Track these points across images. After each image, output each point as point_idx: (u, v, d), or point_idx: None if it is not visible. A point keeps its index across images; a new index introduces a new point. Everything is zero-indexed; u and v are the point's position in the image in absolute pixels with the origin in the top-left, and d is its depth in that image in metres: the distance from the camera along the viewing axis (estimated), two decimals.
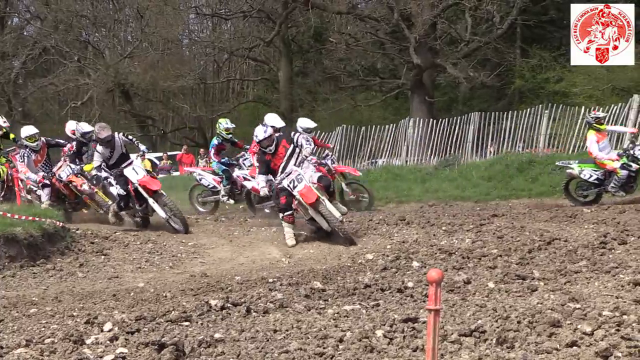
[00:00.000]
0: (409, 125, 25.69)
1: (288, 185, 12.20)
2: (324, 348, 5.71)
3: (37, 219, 11.72)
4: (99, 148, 13.98)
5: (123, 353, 5.80)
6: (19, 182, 15.74)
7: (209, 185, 16.89)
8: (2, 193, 15.88)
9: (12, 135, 16.02)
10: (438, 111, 34.29)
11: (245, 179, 15.85)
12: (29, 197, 15.61)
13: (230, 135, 16.79)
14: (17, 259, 10.69)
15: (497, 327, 5.89)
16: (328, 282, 8.65)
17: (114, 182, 14.07)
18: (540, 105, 23.47)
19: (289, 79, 38.84)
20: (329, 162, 16.71)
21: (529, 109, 23.50)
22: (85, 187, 15.07)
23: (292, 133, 13.46)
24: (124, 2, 42.01)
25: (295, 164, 12.39)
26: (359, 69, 38.13)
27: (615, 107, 21.32)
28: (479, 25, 34.14)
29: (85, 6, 41.24)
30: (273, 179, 12.44)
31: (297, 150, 12.47)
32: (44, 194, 15.19)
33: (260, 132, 12.46)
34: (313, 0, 34.23)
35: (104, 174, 14.22)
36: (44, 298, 8.74)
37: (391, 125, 26.25)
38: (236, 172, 16.35)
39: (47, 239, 11.45)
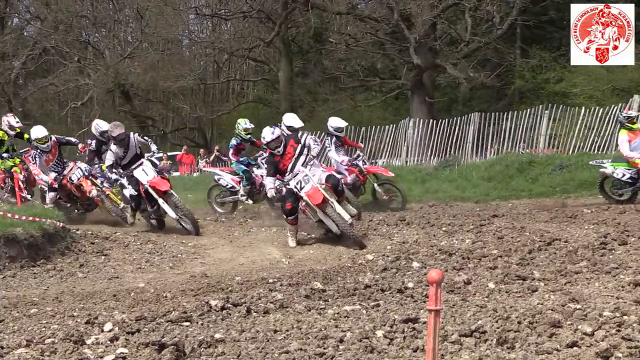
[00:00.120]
0: (409, 125, 25.71)
1: (295, 186, 12.00)
2: (324, 348, 5.71)
3: (37, 219, 11.72)
4: (113, 147, 13.87)
5: (123, 353, 5.80)
6: (19, 182, 15.73)
7: (227, 185, 16.78)
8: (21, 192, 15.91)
9: (26, 136, 15.83)
10: (438, 111, 34.31)
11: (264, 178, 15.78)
12: (29, 197, 15.61)
13: (249, 136, 16.65)
14: (18, 259, 10.68)
15: (498, 328, 5.89)
16: (328, 282, 8.65)
17: (126, 183, 13.98)
18: (541, 106, 23.49)
19: (289, 80, 38.83)
20: (360, 163, 16.65)
21: (529, 110, 23.52)
22: (94, 192, 14.94)
23: (300, 133, 13.22)
24: (124, 2, 42.00)
25: (302, 165, 12.19)
26: (359, 69, 38.14)
27: (616, 107, 21.33)
28: (479, 25, 34.14)
29: (85, 7, 41.25)
30: (281, 180, 12.25)
31: (305, 150, 12.28)
32: (49, 197, 15.20)
33: (267, 134, 12.26)
34: (313, 0, 34.23)
35: (114, 176, 14.11)
36: (45, 298, 8.73)
37: (391, 125, 26.28)
38: (255, 172, 16.30)
39: (48, 240, 11.45)
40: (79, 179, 15.05)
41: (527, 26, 34.32)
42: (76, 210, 15.55)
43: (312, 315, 6.87)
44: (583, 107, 22.51)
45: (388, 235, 12.33)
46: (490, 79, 33.44)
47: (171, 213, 13.60)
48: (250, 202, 16.66)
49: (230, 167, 17.00)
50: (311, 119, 34.86)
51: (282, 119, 15.91)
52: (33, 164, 15.27)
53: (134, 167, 13.75)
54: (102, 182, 15.21)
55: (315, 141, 12.50)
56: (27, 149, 16.15)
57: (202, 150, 34.36)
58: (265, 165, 15.50)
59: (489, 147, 24.17)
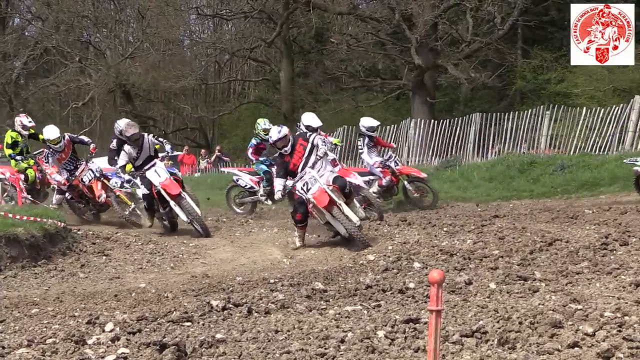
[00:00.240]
0: (410, 126, 25.72)
1: (302, 188, 11.74)
2: (325, 349, 5.71)
3: (38, 219, 11.73)
4: (126, 147, 13.78)
5: (125, 353, 5.80)
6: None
7: (246, 186, 16.73)
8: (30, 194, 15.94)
9: (41, 136, 15.65)
10: (439, 112, 34.33)
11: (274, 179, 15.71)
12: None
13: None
14: (19, 259, 10.69)
15: (499, 328, 5.90)
16: (329, 282, 8.64)
17: (139, 183, 13.92)
18: (542, 106, 23.49)
19: (290, 80, 38.84)
20: (392, 164, 16.54)
21: (530, 110, 23.52)
22: (103, 197, 14.85)
23: (308, 133, 12.88)
24: (125, 2, 42.02)
25: (310, 165, 11.86)
26: (360, 69, 38.14)
27: (617, 108, 21.34)
28: (480, 26, 34.13)
29: (86, 7, 41.25)
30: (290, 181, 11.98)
31: (315, 150, 11.96)
32: (56, 198, 15.19)
33: (274, 133, 12.04)
34: (314, 0, 34.23)
35: (126, 177, 14.02)
36: (46, 298, 8.74)
37: (392, 126, 26.27)
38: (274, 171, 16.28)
39: (49, 240, 11.46)
40: (90, 180, 14.98)
41: (529, 27, 34.30)
42: (89, 211, 15.51)
43: (313, 315, 6.87)
44: (584, 108, 22.51)
45: (389, 235, 12.31)
46: (491, 79, 33.44)
47: (182, 215, 13.52)
48: (270, 202, 16.59)
49: (251, 167, 16.94)
50: (300, 119, 34.81)
51: (301, 118, 15.79)
52: (46, 163, 15.26)
53: (146, 167, 13.67)
54: (120, 183, 15.06)
55: (324, 140, 12.24)
56: (40, 150, 16.07)
57: (203, 150, 34.40)
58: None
59: (490, 148, 24.16)
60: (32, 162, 16.03)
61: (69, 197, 15.32)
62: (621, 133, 21.03)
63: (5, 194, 16.18)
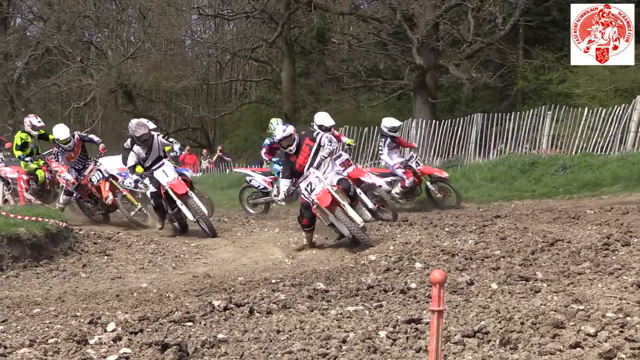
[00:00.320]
0: (411, 126, 25.69)
1: (305, 189, 11.57)
2: (327, 349, 5.71)
3: (40, 219, 11.74)
4: (135, 147, 13.69)
5: (126, 353, 5.80)
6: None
7: (259, 186, 16.69)
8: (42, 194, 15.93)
9: (51, 137, 15.55)
10: (441, 112, 34.31)
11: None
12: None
13: None
14: (21, 259, 10.71)
15: (501, 328, 5.89)
16: (331, 283, 8.64)
17: (147, 182, 13.77)
18: (543, 107, 23.46)
19: (292, 80, 38.83)
20: (413, 165, 16.46)
21: (531, 110, 23.49)
22: (110, 198, 14.78)
23: (316, 132, 12.60)
24: (126, 2, 42.05)
25: (315, 166, 11.67)
26: (362, 69, 38.13)
27: (619, 108, 21.32)
28: (481, 26, 34.11)
29: (88, 7, 41.26)
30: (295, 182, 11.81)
31: (321, 150, 11.72)
32: (63, 199, 15.16)
33: (279, 131, 11.86)
34: (315, 0, 34.23)
35: (134, 177, 13.87)
36: (48, 298, 8.74)
37: None
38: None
39: (51, 240, 11.48)
40: (98, 180, 14.93)
41: (530, 27, 34.27)
42: (97, 211, 15.47)
43: (315, 315, 6.87)
44: (586, 108, 22.48)
45: (391, 235, 12.31)
46: (492, 79, 33.43)
47: (189, 215, 13.44)
48: (284, 203, 16.56)
49: (266, 167, 16.89)
50: (314, 119, 34.83)
51: (314, 117, 15.67)
52: (55, 161, 15.24)
53: (154, 167, 13.61)
54: (135, 183, 14.94)
55: (330, 140, 11.89)
56: (50, 150, 16.00)
57: (204, 150, 34.42)
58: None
59: (492, 149, 24.15)
60: (41, 162, 15.99)
61: (78, 197, 15.28)
62: (623, 133, 21.00)
63: (8, 194, 16.16)
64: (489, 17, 33.27)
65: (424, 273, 8.69)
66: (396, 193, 16.41)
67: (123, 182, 14.96)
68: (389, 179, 16.27)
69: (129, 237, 12.98)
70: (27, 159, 15.83)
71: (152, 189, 13.64)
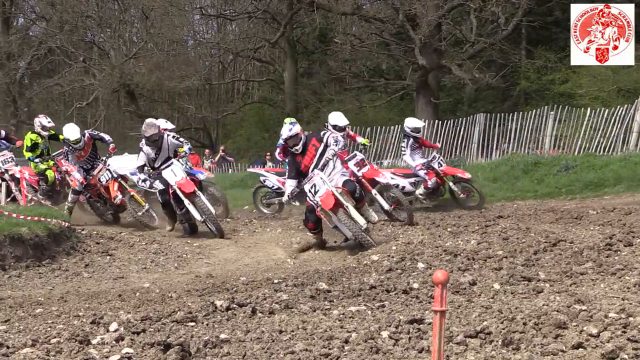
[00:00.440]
0: None
1: (309, 190, 11.35)
2: (329, 349, 5.71)
3: (42, 219, 11.74)
4: (144, 147, 13.60)
5: (129, 353, 5.79)
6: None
7: (273, 186, 16.61)
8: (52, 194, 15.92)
9: (61, 137, 15.41)
10: (443, 112, 34.35)
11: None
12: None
13: None
14: (23, 259, 10.70)
15: (503, 329, 5.89)
16: (333, 283, 8.64)
17: (155, 182, 13.60)
18: (546, 107, 23.48)
19: (294, 80, 38.88)
20: (435, 165, 16.32)
21: (534, 111, 23.52)
22: (118, 198, 14.73)
23: (323, 132, 12.15)
24: (129, 2, 42.13)
25: (319, 167, 11.40)
26: (364, 70, 38.20)
27: (621, 108, 21.33)
28: (484, 26, 34.15)
29: (90, 7, 41.37)
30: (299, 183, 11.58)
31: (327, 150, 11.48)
32: (70, 197, 15.14)
33: (285, 130, 11.59)
34: (318, 1, 34.25)
35: (142, 176, 13.63)
36: (50, 298, 8.74)
37: (396, 126, 26.26)
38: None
39: (53, 239, 11.47)
40: (107, 180, 14.86)
41: (533, 27, 34.31)
42: (107, 211, 15.44)
43: (318, 315, 6.87)
44: (588, 108, 22.50)
45: (393, 235, 12.30)
46: (495, 79, 33.47)
47: (196, 215, 13.27)
48: (297, 203, 16.50)
49: (280, 167, 16.84)
50: (316, 119, 34.90)
51: (328, 117, 15.52)
52: (65, 159, 15.21)
53: (163, 167, 13.53)
54: (149, 183, 14.82)
55: (336, 140, 11.56)
56: (60, 151, 15.93)
57: (207, 150, 34.43)
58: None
59: (494, 149, 24.16)
60: (51, 163, 15.96)
61: (88, 197, 15.26)
62: (625, 133, 21.02)
63: (17, 192, 16.13)
64: (492, 17, 33.31)
65: (427, 273, 8.69)
66: (420, 194, 16.37)
67: (139, 182, 14.82)
68: (412, 179, 16.24)
69: (131, 237, 12.98)
70: (37, 160, 15.81)
71: (160, 186, 13.51)
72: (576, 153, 21.50)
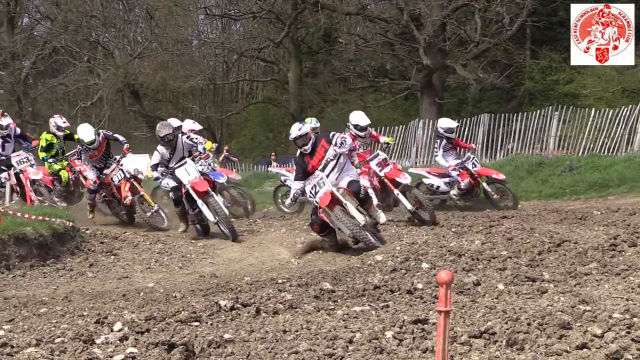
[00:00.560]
0: (418, 126, 25.71)
1: (310, 191, 11.23)
2: (333, 349, 5.70)
3: (47, 218, 11.75)
4: (159, 147, 13.56)
5: (133, 353, 5.80)
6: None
7: None
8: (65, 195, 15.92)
9: (76, 137, 15.38)
10: (448, 112, 34.27)
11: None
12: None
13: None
14: (28, 258, 10.71)
15: (507, 329, 5.88)
16: (337, 283, 8.63)
17: (169, 181, 13.50)
18: (550, 107, 23.48)
19: (299, 80, 38.90)
20: (469, 166, 16.24)
21: (538, 111, 23.51)
22: (128, 199, 14.68)
23: (332, 133, 11.77)
24: (133, 2, 42.17)
25: (320, 169, 11.22)
26: (369, 70, 38.20)
27: (626, 109, 21.31)
28: (488, 26, 34.14)
29: (95, 6, 41.43)
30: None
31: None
32: (88, 197, 15.14)
33: (294, 130, 11.28)
34: (322, 1, 34.26)
35: (155, 174, 13.54)
36: (54, 298, 8.75)
37: (401, 126, 26.28)
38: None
39: (57, 239, 11.48)
40: (119, 180, 14.83)
41: (537, 27, 34.27)
42: (121, 212, 15.40)
43: (322, 315, 6.86)
44: (593, 109, 22.49)
45: (397, 236, 12.30)
46: (499, 80, 33.45)
47: (209, 215, 13.11)
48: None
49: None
50: (320, 119, 34.84)
51: (349, 117, 15.26)
52: (78, 159, 15.20)
53: (176, 166, 13.44)
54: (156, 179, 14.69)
55: (343, 140, 11.31)
56: (74, 151, 15.88)
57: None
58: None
59: (498, 149, 24.15)
60: (65, 163, 15.95)
61: (104, 196, 15.25)
62: (630, 134, 21.00)
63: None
64: (496, 17, 33.31)
65: (431, 273, 8.68)
66: (454, 194, 16.33)
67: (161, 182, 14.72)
68: (447, 179, 16.21)
69: (135, 237, 12.98)
70: (51, 160, 15.81)
71: (172, 183, 13.40)
72: (580, 153, 21.48)
